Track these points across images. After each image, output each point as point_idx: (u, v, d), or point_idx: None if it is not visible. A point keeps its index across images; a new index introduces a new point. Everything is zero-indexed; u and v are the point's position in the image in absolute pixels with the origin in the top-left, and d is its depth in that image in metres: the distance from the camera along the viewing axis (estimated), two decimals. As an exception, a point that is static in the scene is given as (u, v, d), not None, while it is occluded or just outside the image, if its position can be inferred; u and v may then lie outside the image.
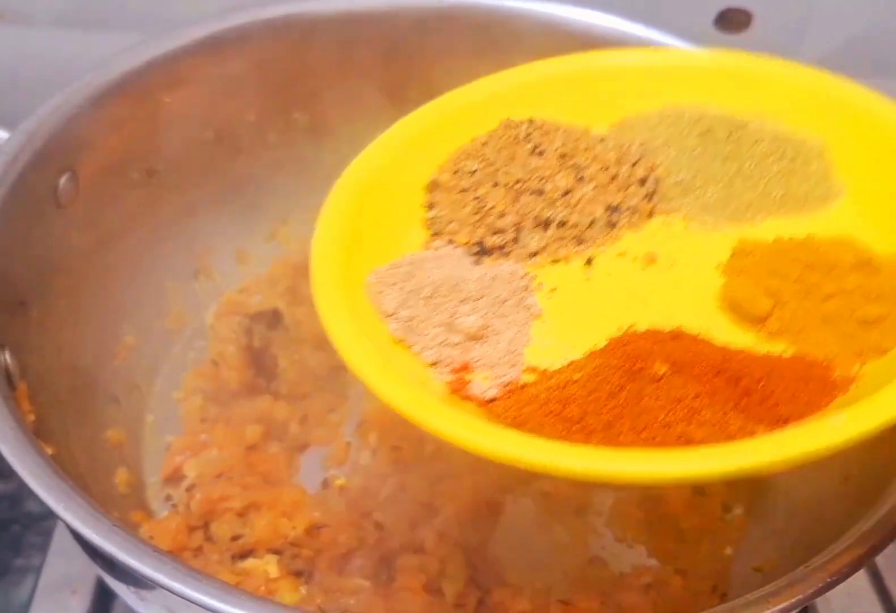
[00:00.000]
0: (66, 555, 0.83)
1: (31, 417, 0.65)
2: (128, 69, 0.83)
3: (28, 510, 0.92)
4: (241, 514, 0.74)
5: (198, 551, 0.74)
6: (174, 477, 0.79)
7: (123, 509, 0.76)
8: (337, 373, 0.87)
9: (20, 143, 0.73)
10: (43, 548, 0.86)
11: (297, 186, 1.01)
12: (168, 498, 0.78)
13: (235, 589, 0.51)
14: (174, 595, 0.50)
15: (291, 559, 0.72)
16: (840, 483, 0.74)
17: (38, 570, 0.83)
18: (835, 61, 1.02)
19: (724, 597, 0.75)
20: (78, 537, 0.56)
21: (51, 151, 0.75)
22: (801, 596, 0.54)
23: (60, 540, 0.85)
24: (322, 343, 0.83)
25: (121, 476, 0.79)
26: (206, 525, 0.75)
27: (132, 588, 0.62)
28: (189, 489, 0.76)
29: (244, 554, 0.73)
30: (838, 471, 0.75)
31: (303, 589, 0.70)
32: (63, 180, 0.77)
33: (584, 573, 0.77)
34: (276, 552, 0.73)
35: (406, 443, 0.82)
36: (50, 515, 0.90)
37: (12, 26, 1.03)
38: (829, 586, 0.55)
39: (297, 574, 0.71)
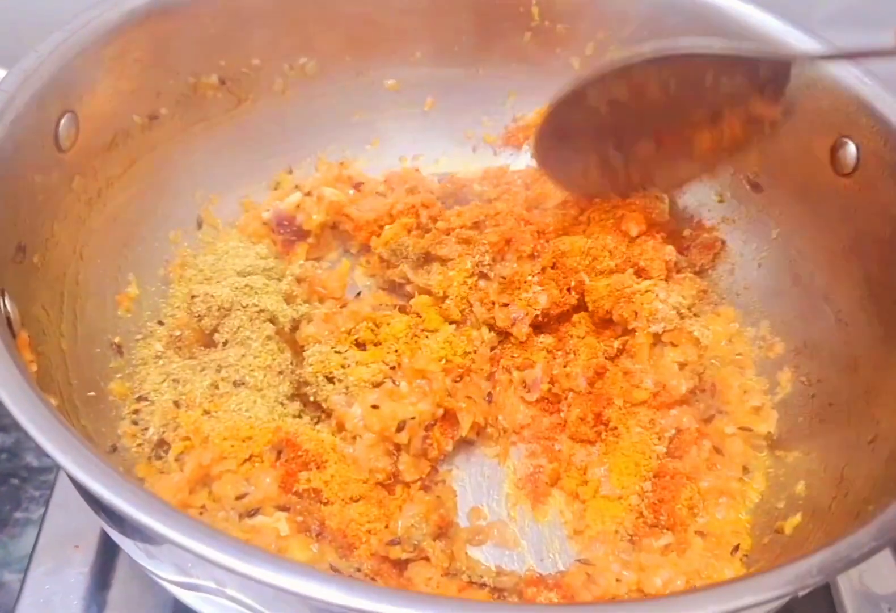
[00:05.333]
0: (68, 509, 0.81)
1: (34, 367, 0.62)
2: (130, 8, 0.80)
3: (27, 463, 0.90)
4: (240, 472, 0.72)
5: (202, 509, 0.71)
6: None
7: (127, 464, 0.74)
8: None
9: (18, 81, 0.70)
10: (42, 501, 0.85)
11: (302, 135, 0.99)
12: (161, 457, 0.75)
13: (250, 546, 0.49)
14: (186, 552, 0.48)
15: (301, 514, 0.70)
16: (866, 444, 0.72)
17: (38, 523, 0.81)
18: (848, 15, 1.00)
19: (744, 559, 0.74)
20: (83, 491, 0.54)
21: (50, 92, 0.72)
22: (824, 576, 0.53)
23: (62, 494, 0.83)
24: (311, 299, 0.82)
25: (124, 429, 0.76)
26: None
27: (140, 544, 0.60)
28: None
29: (251, 513, 0.70)
30: (864, 430, 0.74)
31: (314, 547, 0.68)
32: (63, 122, 0.74)
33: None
34: (284, 508, 0.70)
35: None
36: (50, 468, 0.89)
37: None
38: (856, 561, 0.54)
39: (308, 530, 0.69)
